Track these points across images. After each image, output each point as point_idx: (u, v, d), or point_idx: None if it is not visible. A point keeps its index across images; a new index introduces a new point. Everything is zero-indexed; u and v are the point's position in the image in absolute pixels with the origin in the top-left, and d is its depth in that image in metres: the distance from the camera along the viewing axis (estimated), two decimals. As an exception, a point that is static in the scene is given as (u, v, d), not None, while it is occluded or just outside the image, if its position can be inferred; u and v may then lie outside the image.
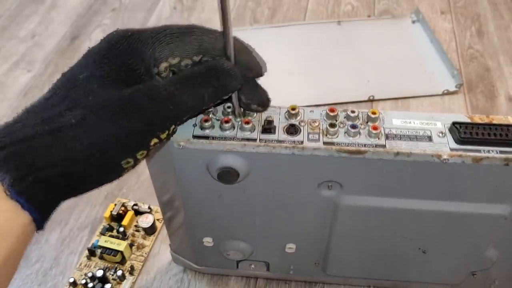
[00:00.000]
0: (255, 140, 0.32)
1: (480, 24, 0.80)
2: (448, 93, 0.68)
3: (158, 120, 0.28)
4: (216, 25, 0.31)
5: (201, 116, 0.33)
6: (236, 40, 0.31)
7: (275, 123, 0.33)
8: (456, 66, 0.72)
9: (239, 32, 0.75)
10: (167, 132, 0.29)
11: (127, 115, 0.27)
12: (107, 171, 0.28)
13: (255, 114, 0.34)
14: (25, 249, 0.27)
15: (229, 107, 0.34)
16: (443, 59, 0.72)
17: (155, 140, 0.29)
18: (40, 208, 0.26)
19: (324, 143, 0.32)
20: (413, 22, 0.80)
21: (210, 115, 0.33)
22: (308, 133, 0.33)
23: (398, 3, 0.85)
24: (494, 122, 0.33)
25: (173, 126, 0.30)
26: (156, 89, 0.28)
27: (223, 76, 0.30)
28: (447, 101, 0.68)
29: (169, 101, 0.28)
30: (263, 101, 0.33)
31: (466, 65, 0.73)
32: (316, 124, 0.33)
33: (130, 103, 0.27)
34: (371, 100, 0.67)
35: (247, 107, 0.33)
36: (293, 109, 0.34)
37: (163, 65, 0.30)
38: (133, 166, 0.29)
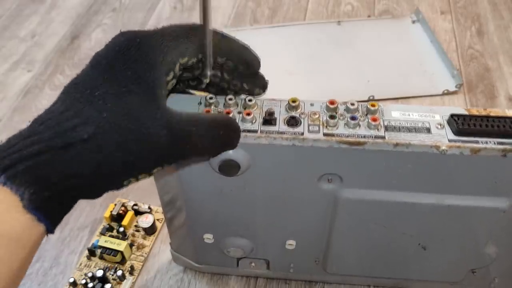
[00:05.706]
0: (256, 131, 0.33)
1: (480, 24, 0.81)
2: (448, 93, 0.68)
3: (169, 155, 0.30)
4: (216, 25, 0.32)
5: (202, 108, 0.33)
6: (232, 40, 0.33)
7: (276, 115, 0.34)
8: (456, 66, 0.72)
9: (239, 32, 0.77)
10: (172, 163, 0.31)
11: (139, 142, 0.28)
12: (109, 185, 0.29)
13: (256, 107, 0.34)
14: (35, 254, 0.28)
15: (230, 99, 0.34)
16: (443, 59, 0.72)
17: (159, 168, 0.30)
18: (54, 219, 0.27)
19: (324, 134, 0.32)
20: (413, 22, 0.81)
21: (212, 107, 0.34)
22: (309, 125, 0.33)
23: (398, 3, 0.86)
24: (492, 114, 0.34)
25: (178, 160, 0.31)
26: (176, 125, 0.29)
27: (232, 132, 0.32)
28: (447, 101, 0.68)
29: (187, 140, 0.30)
30: (264, 85, 0.35)
31: (466, 65, 0.73)
32: (316, 116, 0.33)
33: (145, 131, 0.28)
34: (371, 100, 0.67)
35: (250, 93, 0.35)
36: (294, 101, 0.34)
37: (177, 67, 0.31)
38: (133, 182, 0.30)
